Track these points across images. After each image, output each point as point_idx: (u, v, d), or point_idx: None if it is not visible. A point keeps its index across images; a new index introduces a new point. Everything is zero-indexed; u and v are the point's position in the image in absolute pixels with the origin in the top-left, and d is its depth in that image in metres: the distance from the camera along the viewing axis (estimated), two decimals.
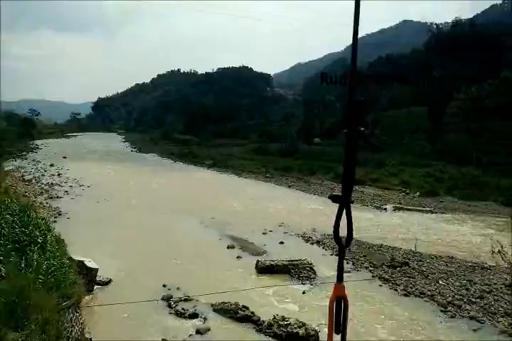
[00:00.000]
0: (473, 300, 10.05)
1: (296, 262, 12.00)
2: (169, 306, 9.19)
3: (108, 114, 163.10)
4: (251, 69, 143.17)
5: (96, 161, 42.42)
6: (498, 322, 9.00)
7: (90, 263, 9.66)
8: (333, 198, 1.20)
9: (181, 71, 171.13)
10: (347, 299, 1.21)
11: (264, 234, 16.40)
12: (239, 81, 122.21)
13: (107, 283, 10.24)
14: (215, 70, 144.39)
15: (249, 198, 24.55)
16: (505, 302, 9.90)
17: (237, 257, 13.18)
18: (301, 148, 50.07)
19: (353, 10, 1.17)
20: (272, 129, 65.07)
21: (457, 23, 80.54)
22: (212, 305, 9.23)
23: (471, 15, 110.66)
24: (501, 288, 10.82)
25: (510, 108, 37.41)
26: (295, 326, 8.15)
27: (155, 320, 8.55)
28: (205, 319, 8.75)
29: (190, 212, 19.63)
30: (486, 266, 12.80)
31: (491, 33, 68.48)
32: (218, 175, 38.04)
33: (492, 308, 9.60)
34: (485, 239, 15.75)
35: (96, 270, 9.77)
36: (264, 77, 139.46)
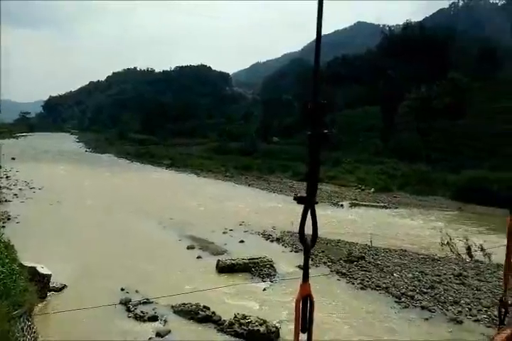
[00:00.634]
0: (425, 290, 10.55)
1: (256, 260, 12.09)
2: (128, 310, 8.99)
3: (60, 113, 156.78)
4: (210, 68, 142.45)
5: (48, 162, 40.61)
6: (448, 310, 9.50)
7: (43, 269, 9.26)
8: (298, 199, 1.23)
9: (138, 69, 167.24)
10: (313, 298, 1.25)
11: (224, 233, 16.38)
12: (198, 80, 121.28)
13: (61, 288, 9.87)
14: (173, 69, 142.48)
15: (208, 198, 24.41)
16: (454, 292, 10.46)
17: (198, 257, 13.10)
18: (261, 147, 50.39)
19: (316, 10, 1.19)
20: (232, 128, 65.01)
21: (408, 26, 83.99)
22: (172, 306, 9.12)
23: (421, 18, 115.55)
24: (450, 278, 11.42)
25: (457, 108, 39.49)
26: (256, 324, 8.23)
27: (113, 325, 8.34)
28: (165, 321, 8.64)
29: (148, 212, 19.27)
30: (436, 257, 13.45)
31: (438, 36, 71.99)
32: (177, 174, 37.55)
33: (442, 298, 10.12)
34: (435, 231, 16.53)
35: (49, 276, 9.38)
36: (224, 76, 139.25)
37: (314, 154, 1.21)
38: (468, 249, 13.50)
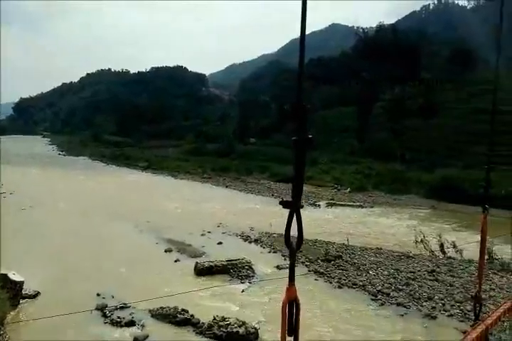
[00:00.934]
0: (400, 287, 10.77)
1: (235, 262, 12.08)
2: (104, 315, 8.84)
3: (32, 115, 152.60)
4: (186, 69, 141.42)
5: (19, 166, 39.46)
6: (422, 306, 9.73)
7: (14, 276, 9.01)
8: (284, 204, 1.25)
9: (112, 70, 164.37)
10: (299, 301, 1.27)
11: (202, 235, 16.30)
12: (173, 81, 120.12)
13: (34, 295, 9.61)
14: (148, 70, 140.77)
15: (186, 200, 24.25)
16: (428, 288, 10.73)
17: (175, 260, 12.99)
18: (238, 148, 50.42)
19: (301, 10, 1.22)
20: (209, 130, 64.80)
21: (381, 28, 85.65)
22: (150, 310, 9.02)
23: (394, 20, 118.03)
24: (424, 274, 11.71)
25: (429, 108, 40.51)
26: (235, 325, 8.22)
27: (89, 332, 8.18)
28: (142, 326, 8.54)
29: (124, 216, 18.99)
30: (410, 254, 13.76)
31: (410, 38, 73.69)
32: (153, 177, 37.13)
33: (417, 294, 10.36)
34: (409, 229, 16.92)
35: (21, 283, 9.13)
36: (200, 77, 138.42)
37: (299, 159, 1.23)
38: (441, 246, 13.87)
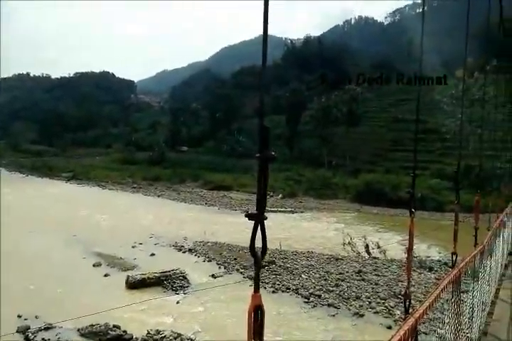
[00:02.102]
0: (331, 288, 11.27)
1: (168, 273, 11.87)
2: (27, 338, 8.23)
3: None
4: (113, 74, 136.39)
5: None
6: (351, 305, 10.26)
7: None
8: (249, 216, 1.33)
9: (31, 75, 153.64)
10: (263, 308, 1.35)
11: (133, 247, 15.79)
12: (99, 87, 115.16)
13: None
14: (72, 75, 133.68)
15: (115, 211, 23.33)
16: (356, 287, 11.34)
17: (105, 275, 12.46)
18: (170, 156, 49.49)
19: (263, 11, 1.30)
20: (138, 138, 62.84)
21: (308, 40, 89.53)
22: (78, 329, 8.56)
23: (320, 33, 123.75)
24: (352, 275, 12.36)
25: (353, 117, 42.93)
26: (171, 338, 8.09)
27: None
28: None
29: (48, 231, 17.80)
30: (339, 257, 14.45)
31: (335, 50, 77.85)
32: (79, 188, 35.26)
33: (346, 294, 10.91)
34: (337, 232, 17.77)
35: None
36: (128, 84, 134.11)
37: (263, 174, 1.32)
38: (367, 247, 14.76)
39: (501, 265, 6.67)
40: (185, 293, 11.00)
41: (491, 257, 5.12)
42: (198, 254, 14.90)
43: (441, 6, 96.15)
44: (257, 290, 1.35)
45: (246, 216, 1.32)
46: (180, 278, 11.81)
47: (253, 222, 1.29)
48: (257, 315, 1.34)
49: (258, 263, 1.36)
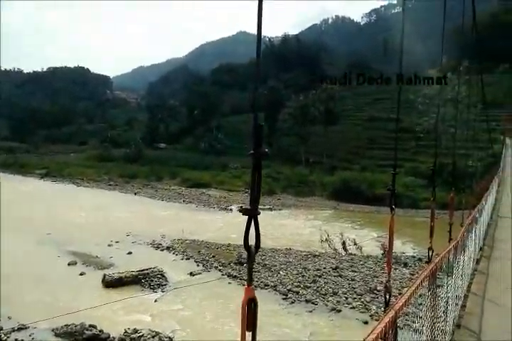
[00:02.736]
0: (308, 284, 11.39)
1: (146, 271, 11.75)
2: None
3: None
4: (88, 70, 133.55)
5: None
6: (328, 301, 10.40)
7: None
8: (243, 211, 1.36)
9: (2, 68, 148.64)
10: (256, 300, 1.37)
11: (109, 245, 15.55)
12: (74, 82, 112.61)
13: None
14: (45, 69, 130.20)
15: (91, 209, 22.89)
16: (333, 283, 11.50)
17: (81, 274, 12.23)
18: (147, 153, 48.87)
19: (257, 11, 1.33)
20: (115, 134, 61.76)
21: (286, 38, 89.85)
22: (53, 329, 8.39)
23: (298, 31, 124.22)
24: (329, 271, 12.52)
25: (330, 115, 43.37)
26: (148, 336, 8.03)
27: None
28: None
29: (20, 229, 17.30)
30: (316, 253, 14.62)
31: (312, 49, 78.41)
32: (54, 185, 34.43)
33: (323, 290, 11.04)
34: (315, 229, 17.95)
35: None
36: (104, 80, 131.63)
37: (256, 170, 1.35)
38: (343, 243, 14.98)
39: (473, 260, 6.90)
40: (163, 291, 10.91)
41: (464, 252, 5.29)
42: (176, 252, 14.80)
43: (415, 8, 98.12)
44: (250, 283, 1.39)
45: (240, 211, 1.36)
46: (158, 276, 11.71)
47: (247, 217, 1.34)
48: (250, 308, 1.36)
49: (251, 257, 1.40)
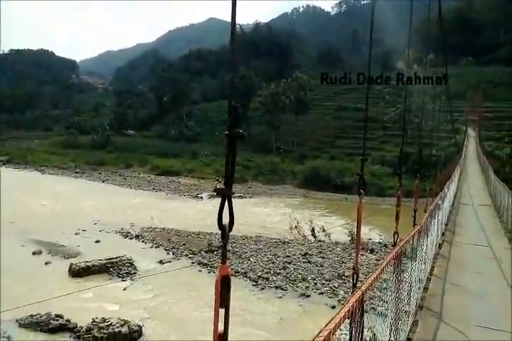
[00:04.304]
0: (278, 271, 11.58)
1: (114, 260, 11.60)
2: None
3: None
4: (52, 53, 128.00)
5: None
6: (298, 287, 10.61)
7: None
8: (218, 191, 1.37)
9: None
10: (230, 277, 1.39)
11: (76, 234, 15.21)
12: (38, 66, 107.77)
13: None
14: (6, 52, 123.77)
15: (56, 197, 22.24)
16: (302, 270, 11.72)
17: (46, 263, 11.94)
18: (115, 140, 47.67)
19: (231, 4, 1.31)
20: (81, 120, 59.77)
21: (257, 26, 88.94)
22: (17, 320, 8.19)
23: (268, 19, 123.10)
24: (299, 257, 12.75)
25: (300, 104, 43.57)
26: (117, 325, 7.94)
27: None
28: (8, 338, 7.70)
29: None
30: (286, 240, 14.83)
31: (283, 37, 78.06)
32: (16, 172, 33.16)
33: (292, 276, 11.25)
34: (285, 217, 18.16)
35: None
36: (69, 63, 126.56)
37: (231, 152, 1.36)
38: (312, 230, 15.27)
39: (435, 244, 7.18)
40: (132, 280, 10.81)
41: (427, 237, 5.49)
42: (146, 240, 14.65)
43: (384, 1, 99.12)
44: (224, 261, 1.41)
45: (214, 191, 1.44)
46: (127, 264, 11.58)
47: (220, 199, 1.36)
48: (224, 285, 1.38)
49: (226, 235, 1.42)
